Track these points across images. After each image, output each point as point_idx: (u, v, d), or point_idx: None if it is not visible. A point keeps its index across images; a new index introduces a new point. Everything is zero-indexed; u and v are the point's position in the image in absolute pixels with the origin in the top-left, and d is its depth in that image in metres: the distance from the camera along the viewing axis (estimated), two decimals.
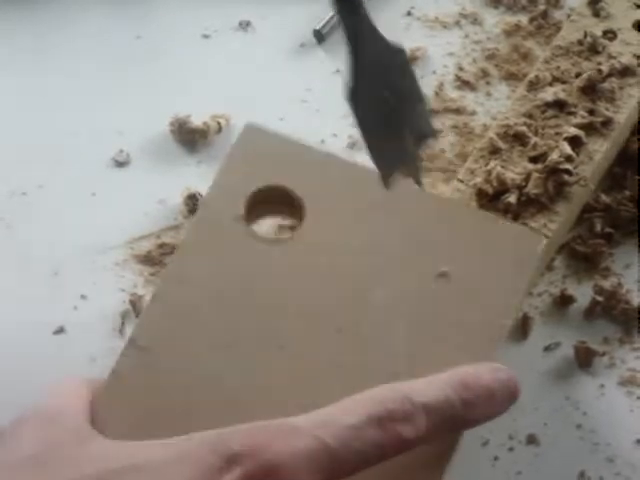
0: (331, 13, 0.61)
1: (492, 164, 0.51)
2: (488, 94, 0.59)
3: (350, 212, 0.43)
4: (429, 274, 0.41)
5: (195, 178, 0.56)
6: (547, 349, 0.49)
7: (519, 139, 0.52)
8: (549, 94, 0.53)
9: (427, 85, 0.60)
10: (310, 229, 0.42)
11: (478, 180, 0.50)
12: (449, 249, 0.42)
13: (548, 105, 0.53)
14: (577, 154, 0.50)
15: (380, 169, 0.39)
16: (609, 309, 0.50)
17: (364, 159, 0.41)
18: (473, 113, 0.58)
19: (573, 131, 0.51)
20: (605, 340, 0.49)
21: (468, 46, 0.62)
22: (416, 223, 0.42)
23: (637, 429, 0.46)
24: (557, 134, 0.51)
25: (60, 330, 0.50)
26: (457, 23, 0.63)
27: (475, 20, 0.63)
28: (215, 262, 0.42)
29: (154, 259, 0.53)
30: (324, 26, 0.61)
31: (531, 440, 0.46)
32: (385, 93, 0.37)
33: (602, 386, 0.48)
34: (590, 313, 0.50)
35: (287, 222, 0.49)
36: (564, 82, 0.54)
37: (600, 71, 0.53)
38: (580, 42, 0.56)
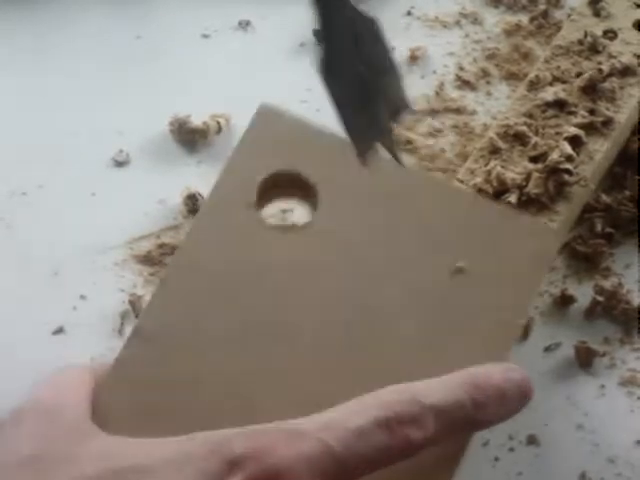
0: None
1: (492, 164, 0.50)
2: (488, 94, 0.59)
3: (365, 201, 0.41)
4: (444, 269, 0.40)
5: (195, 178, 0.56)
6: (547, 349, 0.49)
7: (519, 139, 0.52)
8: (549, 94, 0.53)
9: (427, 85, 0.60)
10: (323, 217, 0.41)
11: (478, 180, 0.50)
12: (465, 243, 0.41)
13: (548, 105, 0.53)
14: (577, 154, 0.50)
15: (356, 144, 0.37)
16: (609, 309, 0.50)
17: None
18: (473, 113, 0.58)
19: (573, 131, 0.51)
20: (605, 340, 0.49)
21: (468, 46, 0.62)
22: (433, 215, 0.41)
23: (638, 429, 0.46)
24: (557, 134, 0.51)
25: (60, 330, 0.50)
26: (457, 23, 0.63)
27: (475, 20, 0.63)
28: (225, 250, 0.41)
29: (154, 259, 0.53)
30: None
31: (531, 440, 0.46)
32: (359, 65, 0.36)
33: (602, 386, 0.48)
34: (590, 313, 0.50)
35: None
36: (564, 82, 0.54)
37: (600, 71, 0.53)
38: (580, 42, 0.56)
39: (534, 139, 0.51)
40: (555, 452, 0.46)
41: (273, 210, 0.45)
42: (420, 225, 0.41)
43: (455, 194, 0.43)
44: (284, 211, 0.50)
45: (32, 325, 0.50)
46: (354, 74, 0.36)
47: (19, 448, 0.36)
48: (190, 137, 0.58)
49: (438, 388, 0.36)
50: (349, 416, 0.35)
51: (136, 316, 0.50)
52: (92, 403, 0.38)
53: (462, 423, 0.37)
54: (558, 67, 0.55)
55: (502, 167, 0.50)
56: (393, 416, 0.35)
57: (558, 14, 0.63)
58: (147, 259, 0.53)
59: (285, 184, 0.42)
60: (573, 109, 0.53)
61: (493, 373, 0.37)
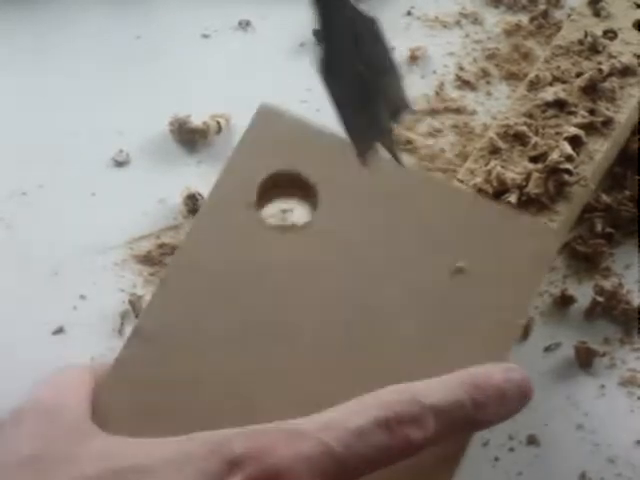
0: None
1: (492, 164, 0.50)
2: (488, 94, 0.59)
3: (365, 201, 0.41)
4: (444, 269, 0.40)
5: (195, 178, 0.56)
6: (547, 349, 0.49)
7: (519, 139, 0.52)
8: (549, 94, 0.53)
9: (427, 85, 0.60)
10: (323, 217, 0.41)
11: (478, 180, 0.50)
12: (465, 243, 0.40)
13: (548, 105, 0.53)
14: (577, 154, 0.50)
15: (355, 144, 0.37)
16: (609, 309, 0.50)
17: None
18: (473, 113, 0.58)
19: (573, 131, 0.51)
20: (605, 340, 0.49)
21: (468, 46, 0.62)
22: (433, 215, 0.41)
23: (638, 429, 0.46)
24: (557, 134, 0.51)
25: (59, 330, 0.50)
26: (457, 23, 0.63)
27: (475, 20, 0.63)
28: (225, 250, 0.41)
29: (154, 259, 0.53)
30: None
31: (531, 440, 0.46)
32: (359, 65, 0.36)
33: (603, 386, 0.48)
34: (590, 313, 0.50)
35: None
36: (564, 82, 0.54)
37: (600, 71, 0.53)
38: (580, 42, 0.56)
39: (534, 139, 0.51)
40: (555, 452, 0.46)
41: (273, 210, 0.45)
42: (420, 225, 0.41)
43: (455, 194, 0.43)
44: (284, 211, 0.50)
45: (32, 325, 0.50)
46: (354, 74, 0.36)
47: (19, 448, 0.36)
48: (190, 137, 0.58)
49: (438, 388, 0.36)
50: (349, 416, 0.35)
51: (136, 316, 0.50)
52: (92, 403, 0.38)
53: (462, 423, 0.36)
54: (558, 67, 0.55)
55: (502, 167, 0.50)
56: (393, 416, 0.35)
57: (558, 14, 0.63)
58: (147, 259, 0.53)
59: (285, 184, 0.42)
60: (573, 109, 0.53)
61: (493, 373, 0.37)
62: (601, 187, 0.53)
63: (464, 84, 0.60)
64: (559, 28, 0.60)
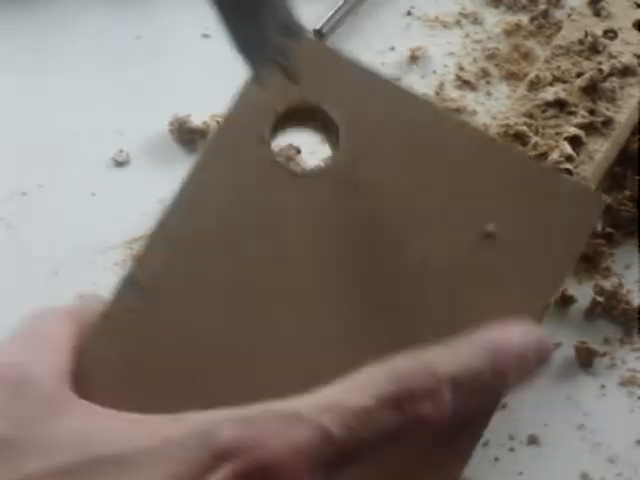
0: (331, 12, 0.61)
1: None
2: (488, 94, 0.59)
3: (393, 148, 0.36)
4: (473, 232, 0.36)
5: None
6: None
7: (519, 139, 0.52)
8: (549, 94, 0.53)
9: (427, 85, 0.60)
10: (343, 162, 0.36)
11: None
12: (498, 204, 0.36)
13: (548, 105, 0.53)
14: (577, 154, 0.50)
15: (246, 60, 0.34)
16: (609, 309, 0.50)
17: None
18: (473, 113, 0.58)
19: (573, 131, 0.51)
20: (606, 340, 0.49)
21: (468, 46, 0.62)
22: (466, 168, 0.36)
23: (638, 429, 0.46)
24: (557, 134, 0.51)
25: None
26: (457, 23, 0.63)
27: (475, 20, 0.63)
28: (231, 193, 0.36)
29: None
30: (324, 26, 0.61)
31: (532, 440, 0.46)
32: None
33: (603, 386, 0.48)
34: (590, 313, 0.50)
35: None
36: (565, 82, 0.54)
37: (601, 71, 0.53)
38: (581, 42, 0.56)
39: (534, 139, 0.51)
40: (555, 452, 0.46)
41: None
42: (451, 177, 0.36)
43: (492, 144, 0.38)
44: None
45: None
46: None
47: None
48: (190, 137, 0.58)
49: (455, 356, 0.32)
50: (354, 393, 0.31)
51: None
52: (75, 358, 0.34)
53: (481, 394, 0.33)
54: (558, 67, 0.55)
55: None
56: (405, 392, 0.31)
57: (558, 14, 0.63)
58: None
59: (303, 119, 0.37)
60: (573, 109, 0.53)
61: (513, 337, 0.34)
62: (601, 187, 0.53)
63: (464, 84, 0.60)
64: (559, 28, 0.60)
